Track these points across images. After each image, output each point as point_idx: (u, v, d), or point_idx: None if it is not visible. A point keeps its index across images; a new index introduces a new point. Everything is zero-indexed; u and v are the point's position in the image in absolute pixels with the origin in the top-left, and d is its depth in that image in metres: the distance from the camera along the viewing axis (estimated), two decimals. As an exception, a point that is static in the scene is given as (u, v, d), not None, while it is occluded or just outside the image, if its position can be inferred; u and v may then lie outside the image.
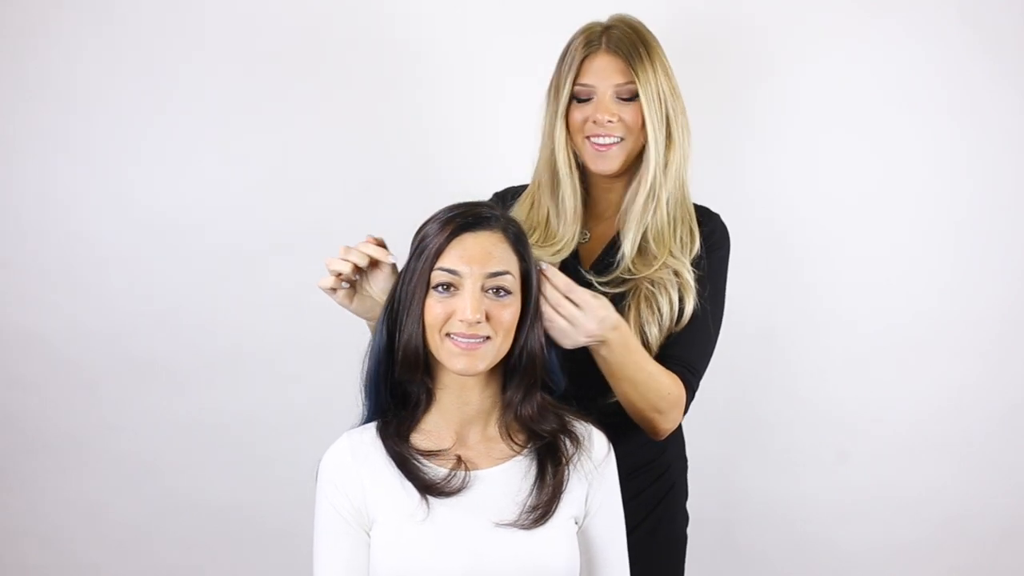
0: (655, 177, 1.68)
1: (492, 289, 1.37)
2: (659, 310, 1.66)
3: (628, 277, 1.68)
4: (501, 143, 2.18)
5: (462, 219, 1.39)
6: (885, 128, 2.17)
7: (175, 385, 2.23)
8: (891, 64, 2.15)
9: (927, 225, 2.19)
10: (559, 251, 1.72)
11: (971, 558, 2.23)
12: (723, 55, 2.17)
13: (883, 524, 2.25)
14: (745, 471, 2.22)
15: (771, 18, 2.16)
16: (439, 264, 1.37)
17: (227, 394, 2.23)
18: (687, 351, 1.67)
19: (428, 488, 1.38)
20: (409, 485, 1.38)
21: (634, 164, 1.72)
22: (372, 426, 1.45)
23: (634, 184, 1.71)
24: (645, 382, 1.59)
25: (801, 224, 2.19)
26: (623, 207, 1.72)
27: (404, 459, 1.40)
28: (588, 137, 1.68)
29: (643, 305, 1.67)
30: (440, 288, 1.37)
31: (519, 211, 1.77)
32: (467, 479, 1.39)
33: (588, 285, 1.68)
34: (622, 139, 1.68)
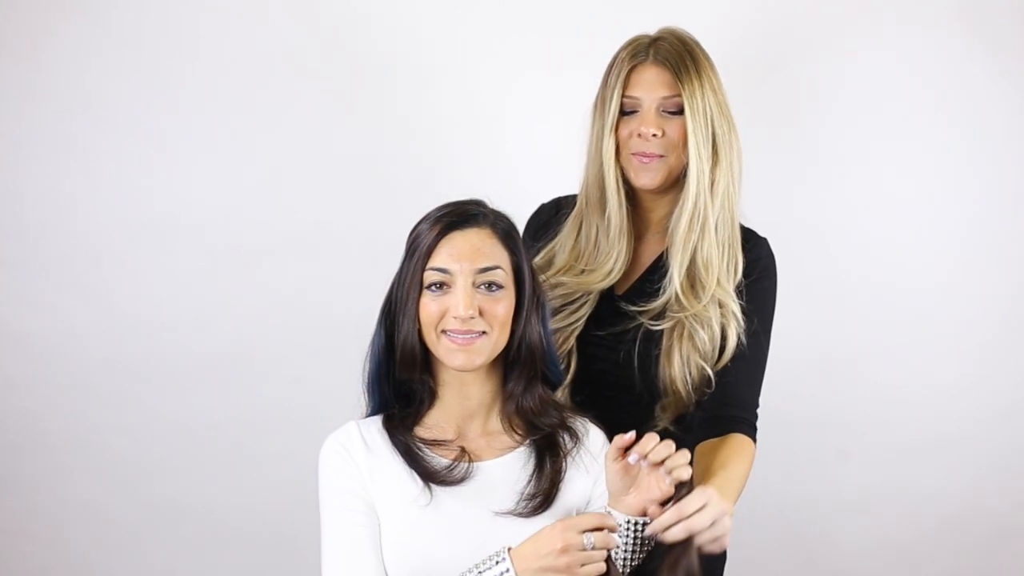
0: (698, 197, 1.61)
1: (484, 284, 1.40)
2: (700, 347, 1.62)
3: (674, 314, 1.63)
4: (501, 145, 2.19)
5: (450, 218, 1.42)
6: (884, 128, 2.17)
7: (174, 386, 2.23)
8: (890, 64, 2.15)
9: (928, 225, 2.19)
10: (609, 273, 1.66)
11: (971, 558, 2.23)
12: (724, 57, 2.17)
13: (883, 523, 2.25)
14: (745, 471, 2.22)
15: (771, 20, 2.16)
16: (430, 264, 1.40)
17: (226, 395, 2.23)
18: (746, 391, 1.64)
19: (431, 476, 1.41)
20: (413, 474, 1.41)
21: (679, 182, 1.66)
22: (378, 418, 1.47)
23: (677, 206, 1.64)
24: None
25: (799, 224, 2.19)
26: (669, 230, 1.66)
27: (409, 448, 1.43)
28: (633, 153, 1.63)
29: (686, 342, 1.62)
30: (433, 287, 1.40)
31: (567, 236, 1.72)
32: (470, 469, 1.42)
33: (623, 316, 1.65)
34: (663, 156, 1.62)
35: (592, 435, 1.49)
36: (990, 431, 2.20)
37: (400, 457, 1.42)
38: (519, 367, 1.46)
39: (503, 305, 1.41)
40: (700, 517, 1.31)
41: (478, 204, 1.46)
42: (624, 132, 1.64)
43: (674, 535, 1.31)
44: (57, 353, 2.22)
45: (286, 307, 2.21)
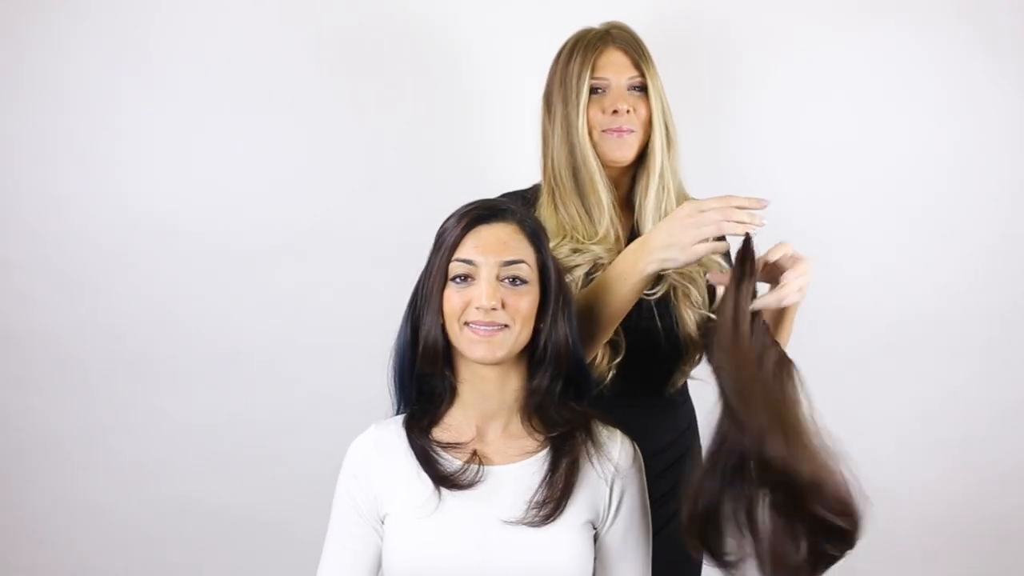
0: (663, 170, 1.73)
1: (508, 278, 1.40)
2: (695, 300, 1.73)
3: (661, 273, 1.69)
4: (502, 144, 2.18)
5: (477, 212, 1.44)
6: (884, 127, 2.17)
7: (175, 385, 2.22)
8: (890, 63, 2.16)
9: (926, 224, 2.19)
10: (609, 247, 1.71)
11: (970, 558, 2.23)
12: (724, 55, 2.18)
13: (882, 524, 2.23)
14: (745, 470, 2.22)
15: (772, 17, 2.16)
16: (455, 256, 1.41)
17: (227, 395, 2.23)
18: None
19: (441, 479, 1.40)
20: (424, 476, 1.41)
21: (634, 161, 1.76)
22: (400, 418, 1.48)
23: (643, 180, 1.76)
24: None
25: (799, 224, 2.18)
26: (638, 204, 1.76)
27: (423, 450, 1.43)
28: (604, 130, 1.72)
29: (683, 300, 1.73)
30: (458, 279, 1.41)
31: (549, 226, 1.74)
32: (480, 473, 1.41)
33: None
34: (634, 131, 1.72)
35: (622, 447, 1.46)
36: (991, 432, 2.20)
37: (414, 459, 1.42)
38: (544, 366, 1.44)
39: (527, 300, 1.41)
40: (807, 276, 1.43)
41: (506, 203, 1.48)
42: (594, 111, 1.72)
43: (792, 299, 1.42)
44: (58, 353, 2.21)
45: (287, 307, 2.21)
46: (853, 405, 2.21)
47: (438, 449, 1.43)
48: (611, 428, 1.48)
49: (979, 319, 2.19)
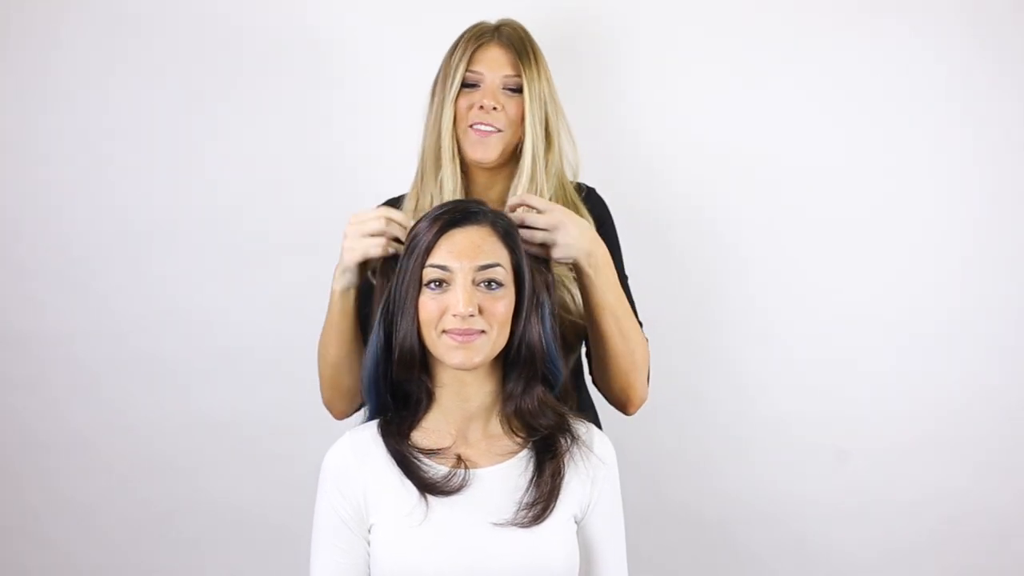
0: (535, 172, 1.70)
1: (484, 282, 1.39)
2: (565, 307, 1.67)
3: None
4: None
5: (450, 216, 1.42)
6: (887, 127, 2.17)
7: (176, 385, 2.22)
8: (891, 63, 2.15)
9: (928, 224, 2.18)
10: None
11: (971, 558, 2.23)
12: (725, 55, 2.18)
13: (883, 524, 2.25)
14: (744, 471, 2.23)
15: (773, 17, 2.16)
16: (429, 261, 1.39)
17: (228, 394, 2.23)
18: None
19: (428, 487, 1.39)
20: (408, 483, 1.40)
21: (510, 160, 1.74)
22: (374, 424, 1.46)
23: (514, 181, 1.73)
24: (626, 320, 1.60)
25: (802, 223, 2.19)
26: (506, 204, 1.72)
27: (404, 457, 1.41)
28: (471, 125, 1.71)
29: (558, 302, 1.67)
30: (432, 285, 1.39)
31: (408, 206, 1.76)
32: (466, 478, 1.40)
33: None
34: (501, 130, 1.70)
35: (598, 441, 1.47)
36: (990, 431, 2.20)
37: (395, 467, 1.41)
38: (519, 368, 1.44)
39: (503, 304, 1.40)
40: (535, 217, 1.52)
41: (478, 203, 1.46)
42: (464, 104, 1.71)
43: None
44: (58, 353, 2.21)
45: (289, 306, 2.20)
46: (855, 405, 2.22)
47: (419, 456, 1.42)
48: (587, 424, 1.49)
49: (980, 319, 2.18)
